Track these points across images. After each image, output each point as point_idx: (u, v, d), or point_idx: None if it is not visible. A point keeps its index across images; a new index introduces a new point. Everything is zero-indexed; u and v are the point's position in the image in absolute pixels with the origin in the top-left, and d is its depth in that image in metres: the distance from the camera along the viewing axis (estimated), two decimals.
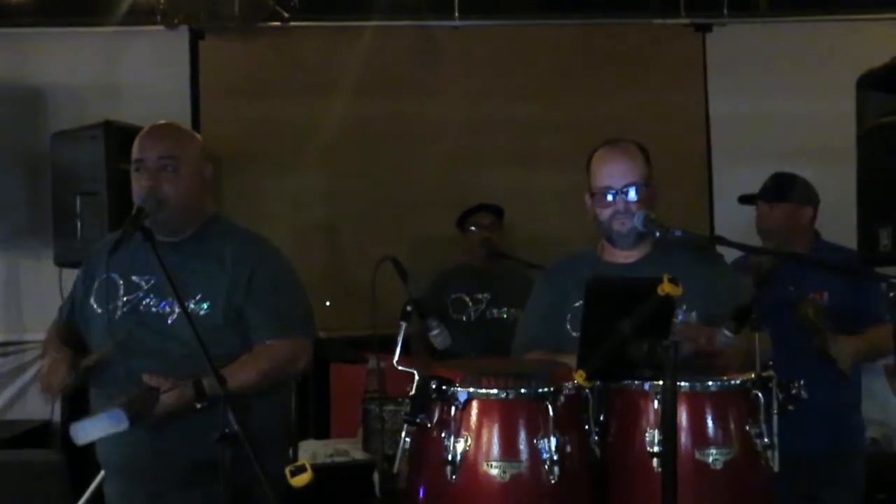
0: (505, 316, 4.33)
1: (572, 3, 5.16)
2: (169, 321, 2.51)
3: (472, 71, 5.09)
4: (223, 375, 2.16)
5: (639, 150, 2.69)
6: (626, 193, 2.60)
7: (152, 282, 2.54)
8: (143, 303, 2.54)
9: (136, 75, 4.91)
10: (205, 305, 2.51)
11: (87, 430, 2.34)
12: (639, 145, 2.71)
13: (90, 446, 2.61)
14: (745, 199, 3.67)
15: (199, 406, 2.33)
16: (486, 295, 4.40)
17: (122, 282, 2.58)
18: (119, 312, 2.54)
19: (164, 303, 2.52)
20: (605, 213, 2.64)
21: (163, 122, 2.73)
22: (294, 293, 2.66)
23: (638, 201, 2.60)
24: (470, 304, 4.40)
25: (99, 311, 2.58)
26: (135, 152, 2.59)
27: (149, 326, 2.51)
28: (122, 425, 2.29)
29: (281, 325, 2.57)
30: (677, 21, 5.10)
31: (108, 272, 2.54)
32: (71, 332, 2.66)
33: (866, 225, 3.12)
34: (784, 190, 3.50)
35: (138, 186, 2.54)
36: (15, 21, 4.90)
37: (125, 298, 2.55)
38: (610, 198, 2.62)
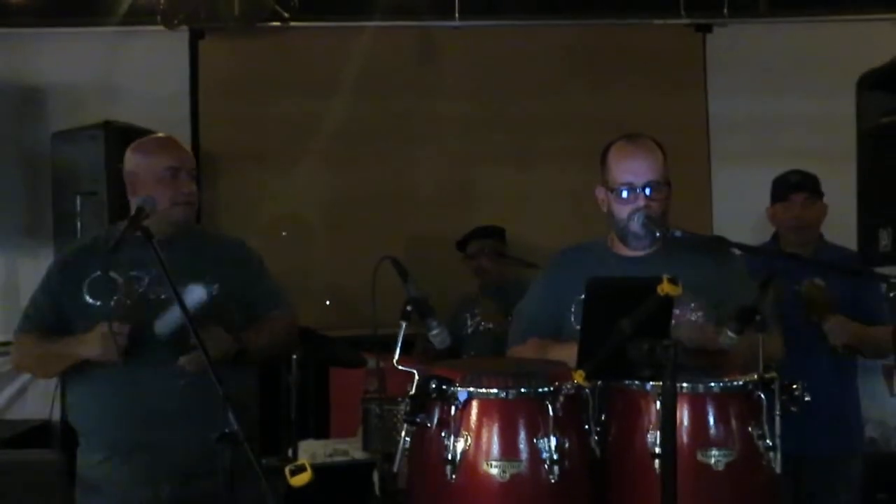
0: (492, 326, 4.42)
1: (572, 3, 5.16)
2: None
3: (472, 71, 5.09)
4: (207, 350, 2.26)
5: (657, 146, 2.64)
6: (647, 191, 2.55)
7: (154, 273, 2.66)
8: (150, 291, 2.68)
9: (135, 75, 4.91)
10: (214, 287, 2.70)
11: (168, 319, 2.54)
12: (655, 141, 2.66)
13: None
14: (784, 187, 3.50)
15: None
16: (480, 310, 4.50)
17: (121, 280, 2.68)
18: (126, 303, 2.65)
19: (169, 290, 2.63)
20: (623, 211, 2.59)
21: (163, 136, 2.97)
22: (273, 278, 3.00)
23: (658, 200, 2.57)
24: (468, 321, 4.50)
25: (98, 304, 2.68)
26: (169, 160, 2.78)
27: (156, 313, 2.62)
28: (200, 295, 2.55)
29: (278, 300, 2.94)
30: (677, 21, 5.10)
31: (107, 271, 2.68)
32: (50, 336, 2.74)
33: (866, 225, 3.12)
34: (820, 189, 3.48)
35: (174, 191, 2.75)
36: (15, 21, 4.90)
37: (126, 291, 2.67)
38: (629, 195, 2.57)
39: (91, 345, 2.60)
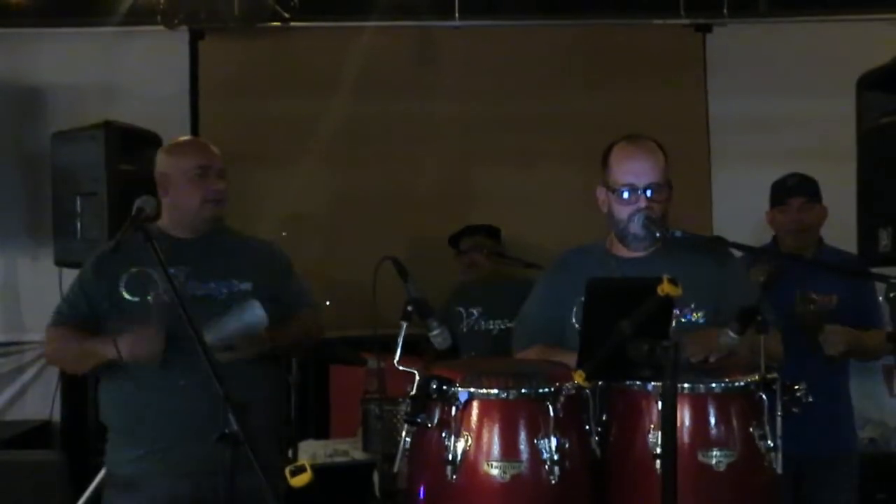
0: (491, 328, 4.43)
1: (572, 3, 5.16)
2: (218, 300, 2.80)
3: (472, 71, 5.09)
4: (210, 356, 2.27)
5: (658, 147, 2.64)
6: (648, 192, 2.55)
7: (187, 270, 2.78)
8: (188, 286, 2.76)
9: (135, 75, 4.91)
10: (246, 285, 2.84)
11: (221, 327, 2.62)
12: (657, 142, 2.66)
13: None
14: (782, 191, 3.50)
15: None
16: (477, 309, 4.47)
17: (158, 277, 2.75)
18: (164, 298, 2.72)
19: (209, 284, 2.81)
20: (624, 212, 2.58)
21: (192, 138, 3.17)
22: (301, 278, 3.10)
23: (659, 201, 2.56)
24: (464, 317, 4.48)
25: (136, 300, 2.77)
26: (199, 159, 2.89)
27: (198, 307, 2.67)
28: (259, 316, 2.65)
29: (306, 298, 3.05)
30: (677, 21, 5.08)
31: (145, 267, 2.78)
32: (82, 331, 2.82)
33: (866, 225, 3.12)
34: (819, 193, 3.47)
35: (204, 189, 2.86)
36: (14, 21, 4.90)
37: (163, 288, 2.73)
38: (630, 196, 2.56)
39: (127, 347, 2.66)
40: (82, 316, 2.82)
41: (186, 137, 3.11)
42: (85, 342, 2.78)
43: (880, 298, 3.12)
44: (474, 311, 4.48)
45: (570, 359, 2.34)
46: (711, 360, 2.32)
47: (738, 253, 2.74)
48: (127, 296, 2.78)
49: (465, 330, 4.44)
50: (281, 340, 2.84)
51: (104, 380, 2.87)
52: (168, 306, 2.59)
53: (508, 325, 4.23)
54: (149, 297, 2.74)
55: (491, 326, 4.41)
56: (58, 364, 3.21)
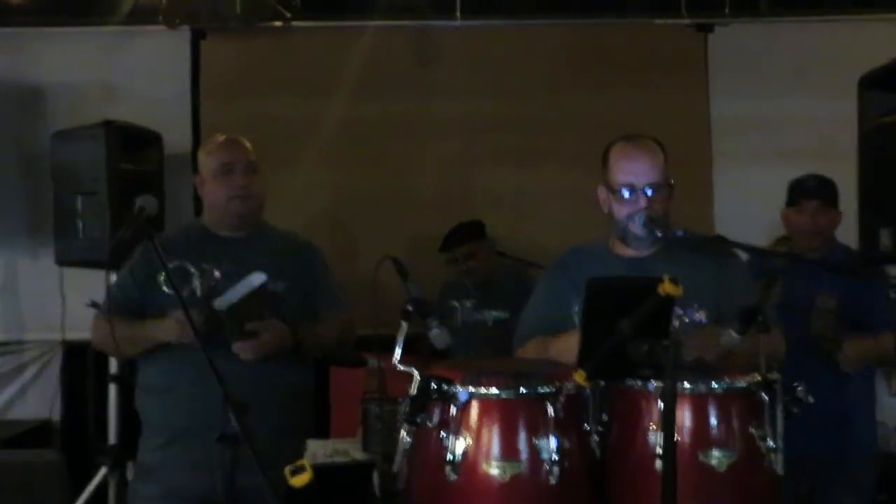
0: (486, 319, 4.42)
1: (573, 3, 5.16)
2: None
3: (472, 71, 5.08)
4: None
5: (658, 146, 2.64)
6: (648, 192, 2.55)
7: (224, 269, 2.84)
8: (221, 285, 2.81)
9: (136, 75, 4.90)
10: (281, 285, 2.87)
11: (228, 296, 2.67)
12: (657, 141, 2.66)
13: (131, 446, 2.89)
14: (798, 192, 3.46)
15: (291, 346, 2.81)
16: (472, 301, 4.47)
17: (194, 270, 2.84)
18: (197, 294, 2.80)
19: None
20: (623, 211, 2.59)
21: (225, 136, 3.07)
22: (334, 279, 3.13)
23: (659, 201, 2.56)
24: (459, 310, 4.48)
25: (172, 293, 2.76)
26: (221, 157, 2.95)
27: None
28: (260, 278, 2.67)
29: (337, 300, 3.06)
30: (679, 21, 5.08)
31: (185, 262, 2.85)
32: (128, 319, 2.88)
33: (867, 225, 3.12)
34: (836, 197, 3.44)
35: (228, 186, 2.91)
36: (15, 21, 4.90)
37: (198, 283, 2.81)
38: (631, 195, 2.57)
39: (168, 329, 2.73)
40: (127, 306, 2.87)
41: (219, 136, 3.11)
42: (135, 326, 2.84)
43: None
44: (468, 304, 4.47)
45: (565, 342, 2.36)
46: (707, 358, 2.31)
47: (742, 253, 2.74)
48: (165, 289, 2.82)
49: (459, 323, 4.43)
50: (307, 337, 2.86)
51: (140, 370, 2.94)
52: (204, 300, 2.68)
53: (504, 315, 4.25)
54: (184, 293, 2.76)
55: (486, 317, 4.40)
56: (106, 351, 3.24)
